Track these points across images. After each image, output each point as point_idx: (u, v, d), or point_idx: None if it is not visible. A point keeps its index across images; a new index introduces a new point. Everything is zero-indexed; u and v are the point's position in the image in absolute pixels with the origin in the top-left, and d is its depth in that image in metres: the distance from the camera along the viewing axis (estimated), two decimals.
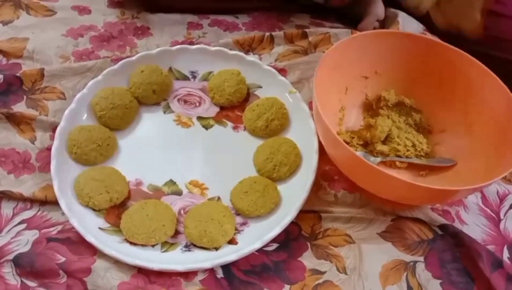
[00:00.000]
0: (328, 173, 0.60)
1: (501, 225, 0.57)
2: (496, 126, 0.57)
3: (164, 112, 0.65)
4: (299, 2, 0.81)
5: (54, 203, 0.54)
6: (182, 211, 0.57)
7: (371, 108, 0.66)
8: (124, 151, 0.61)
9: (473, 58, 0.58)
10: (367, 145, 0.63)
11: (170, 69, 0.68)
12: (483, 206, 0.59)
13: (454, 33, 0.54)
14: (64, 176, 0.56)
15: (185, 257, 0.52)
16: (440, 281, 0.52)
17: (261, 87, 0.67)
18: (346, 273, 0.52)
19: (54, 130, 0.60)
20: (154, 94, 0.64)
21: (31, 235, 0.53)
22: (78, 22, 0.75)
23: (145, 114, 0.65)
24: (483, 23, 0.52)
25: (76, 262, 0.51)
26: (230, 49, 0.69)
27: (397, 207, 0.56)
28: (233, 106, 0.66)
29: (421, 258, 0.54)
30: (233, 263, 0.52)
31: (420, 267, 0.53)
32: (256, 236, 0.53)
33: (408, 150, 0.61)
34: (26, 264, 0.50)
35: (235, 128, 0.65)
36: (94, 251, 0.52)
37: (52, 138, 0.60)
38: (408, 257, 0.54)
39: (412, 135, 0.63)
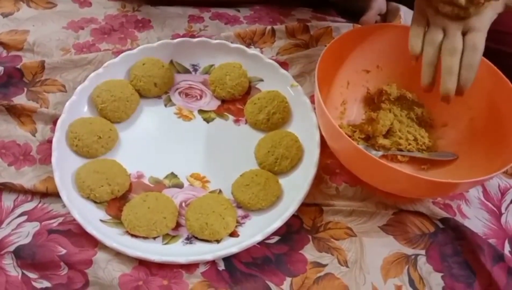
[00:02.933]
0: (329, 167, 0.59)
1: (502, 219, 0.58)
2: (498, 120, 0.57)
3: (165, 105, 0.65)
4: None
5: (55, 195, 0.54)
6: (183, 204, 0.56)
7: (373, 102, 0.65)
8: (125, 143, 0.61)
9: None
10: (369, 139, 0.62)
11: (171, 62, 0.68)
12: (484, 200, 0.59)
13: None
14: (65, 168, 0.56)
15: (187, 250, 0.52)
16: (441, 274, 0.52)
17: (262, 80, 0.67)
18: (347, 266, 0.52)
19: (54, 122, 0.60)
20: (155, 87, 0.64)
21: (32, 227, 0.53)
22: (78, 14, 0.75)
23: (146, 107, 0.65)
24: None
25: (77, 254, 0.51)
26: (232, 42, 0.68)
27: (399, 201, 0.56)
28: (235, 99, 0.66)
29: (423, 252, 0.54)
30: (235, 256, 0.52)
31: (422, 260, 0.53)
32: (258, 228, 0.53)
33: (409, 144, 0.61)
34: (27, 256, 0.50)
35: (236, 121, 0.65)
36: (95, 243, 0.52)
37: (52, 130, 0.59)
38: (409, 251, 0.54)
39: (413, 129, 0.63)
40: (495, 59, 0.57)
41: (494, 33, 0.53)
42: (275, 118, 0.62)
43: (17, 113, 0.61)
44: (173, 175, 0.59)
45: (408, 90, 0.64)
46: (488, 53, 0.58)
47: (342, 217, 0.56)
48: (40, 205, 0.55)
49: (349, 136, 0.61)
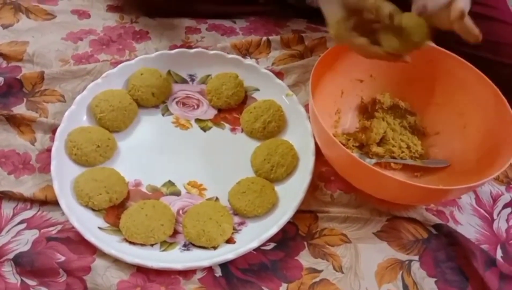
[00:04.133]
0: (324, 174, 0.60)
1: (494, 225, 0.59)
2: (489, 128, 0.58)
3: (163, 115, 0.66)
4: (296, 6, 0.82)
5: (54, 203, 0.55)
6: (180, 211, 0.57)
7: (367, 110, 0.67)
8: (123, 152, 0.62)
9: (466, 62, 0.60)
10: (363, 147, 0.63)
11: (169, 72, 0.69)
12: (476, 207, 0.60)
13: None
14: (64, 177, 0.57)
15: (184, 256, 0.53)
16: (435, 279, 0.53)
17: (258, 90, 0.68)
18: (342, 272, 0.53)
19: (53, 132, 0.60)
20: (153, 97, 0.65)
21: (31, 235, 0.53)
22: (77, 26, 0.76)
23: (144, 116, 0.66)
24: None
25: (76, 261, 0.51)
26: (228, 53, 0.70)
27: (393, 207, 0.57)
28: (231, 108, 0.67)
29: (416, 257, 0.54)
30: (231, 262, 0.53)
31: (415, 266, 0.54)
32: (254, 235, 0.54)
33: (403, 152, 0.62)
34: (26, 263, 0.51)
35: (232, 130, 0.66)
36: (93, 250, 0.52)
37: (51, 139, 0.60)
38: (403, 256, 0.54)
39: (406, 137, 0.64)
40: (491, 69, 0.58)
41: (491, 44, 0.53)
42: (271, 127, 0.63)
43: (17, 123, 0.62)
44: (170, 183, 0.60)
45: (401, 99, 0.65)
46: (484, 63, 0.59)
47: (337, 223, 0.57)
48: (39, 213, 0.55)
49: (343, 145, 0.62)
